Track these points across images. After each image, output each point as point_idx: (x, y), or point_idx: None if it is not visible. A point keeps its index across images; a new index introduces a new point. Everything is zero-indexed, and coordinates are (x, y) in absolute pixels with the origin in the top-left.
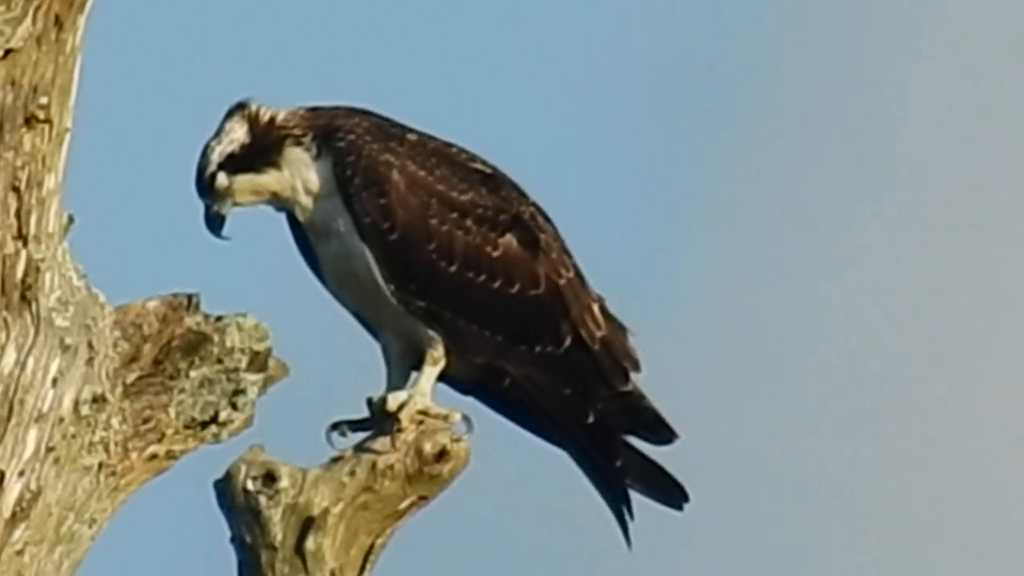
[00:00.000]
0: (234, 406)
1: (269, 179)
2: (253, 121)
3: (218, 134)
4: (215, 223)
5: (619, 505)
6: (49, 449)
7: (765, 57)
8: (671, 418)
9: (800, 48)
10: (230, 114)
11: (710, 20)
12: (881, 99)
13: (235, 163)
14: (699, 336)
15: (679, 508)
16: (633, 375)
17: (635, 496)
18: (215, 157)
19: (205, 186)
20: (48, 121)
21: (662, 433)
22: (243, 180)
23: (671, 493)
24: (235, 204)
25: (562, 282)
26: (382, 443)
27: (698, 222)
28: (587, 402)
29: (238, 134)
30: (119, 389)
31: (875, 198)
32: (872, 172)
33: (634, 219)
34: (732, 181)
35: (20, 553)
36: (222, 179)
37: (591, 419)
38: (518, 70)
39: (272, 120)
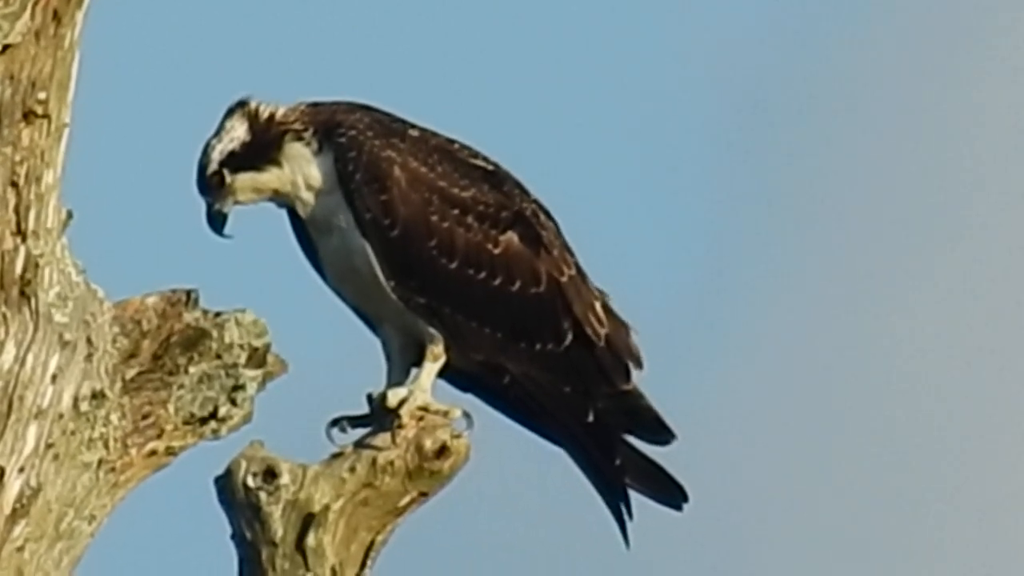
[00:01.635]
0: (233, 402)
1: (270, 176)
2: (253, 119)
3: (218, 132)
4: (217, 222)
5: (618, 504)
6: (49, 445)
7: (833, 89)
8: (670, 418)
9: (875, 76)
10: (230, 112)
11: (776, 50)
12: (965, 136)
13: (236, 161)
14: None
15: (678, 508)
16: (635, 373)
17: (634, 496)
18: (216, 156)
19: (207, 185)
20: (46, 116)
21: (661, 434)
22: (244, 178)
23: (671, 493)
24: (237, 202)
25: (564, 279)
26: (382, 439)
27: (759, 255)
28: (587, 400)
29: (238, 132)
30: (118, 385)
31: (953, 245)
32: (953, 216)
33: (689, 254)
34: (798, 216)
35: (20, 549)
36: (223, 178)
37: (591, 418)
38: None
39: (272, 117)
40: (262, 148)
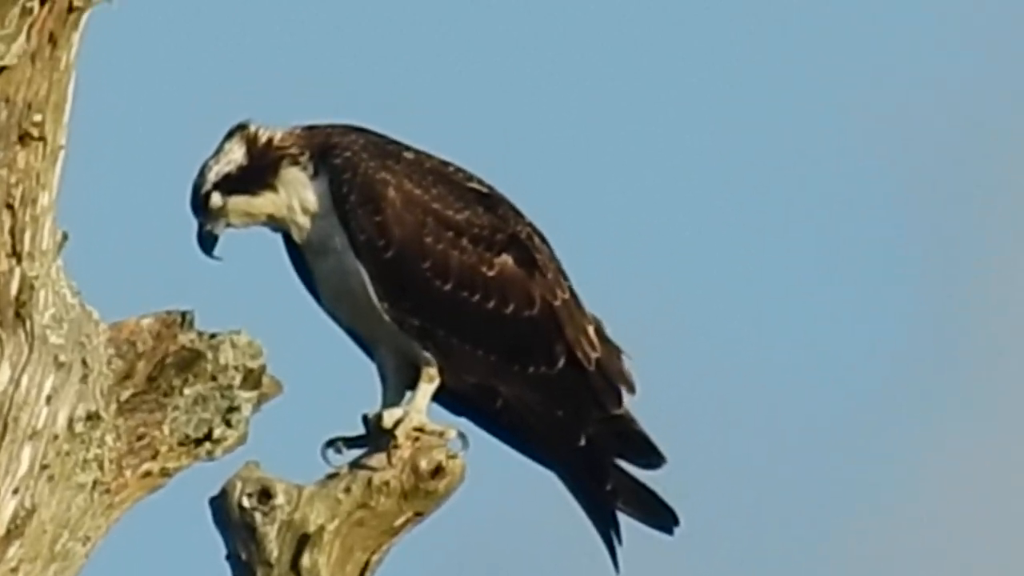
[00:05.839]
0: (228, 423)
1: (264, 202)
2: (252, 143)
3: (216, 154)
4: (207, 243)
5: (607, 529)
6: (43, 466)
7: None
8: (660, 442)
9: None
10: (230, 135)
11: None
12: None
13: (231, 184)
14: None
15: (669, 532)
16: (627, 398)
17: (625, 519)
18: (211, 177)
19: (199, 205)
20: (42, 138)
21: (651, 457)
22: (238, 201)
23: (662, 517)
24: (228, 225)
25: (557, 303)
26: (378, 460)
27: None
28: (579, 425)
29: (236, 155)
30: (113, 406)
31: None
32: None
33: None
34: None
35: (15, 571)
36: (217, 199)
37: (583, 442)
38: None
39: (270, 142)
40: (259, 173)
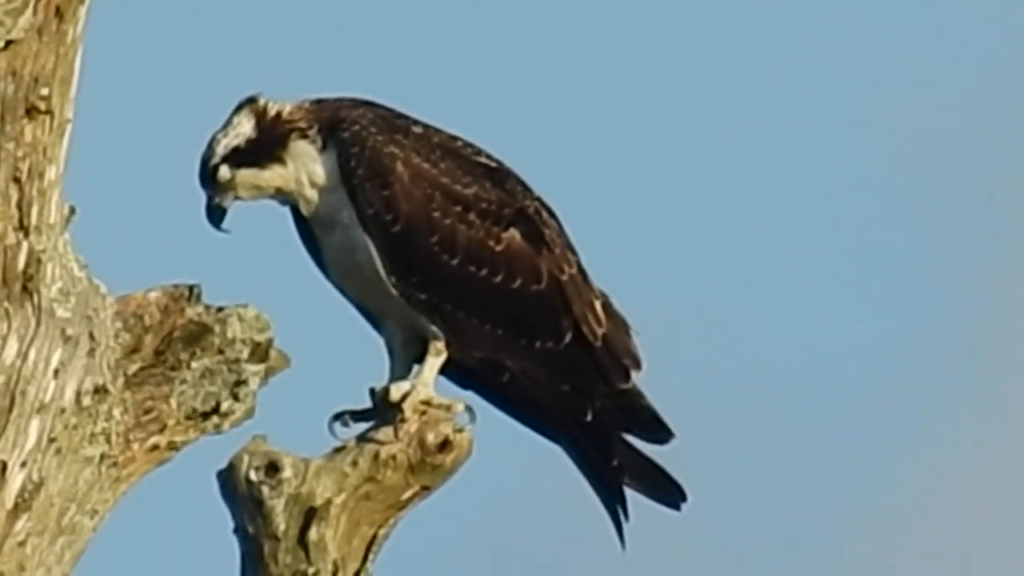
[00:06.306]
0: (235, 397)
1: (272, 175)
2: (261, 116)
3: (225, 127)
4: (215, 215)
5: (614, 504)
6: (51, 440)
7: None
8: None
9: None
10: (239, 108)
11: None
12: None
13: (239, 157)
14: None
15: (677, 508)
16: (634, 373)
17: (633, 495)
18: (220, 149)
19: (208, 178)
20: (49, 112)
21: (659, 432)
22: (246, 174)
23: (669, 492)
24: (237, 198)
25: (564, 278)
26: (385, 433)
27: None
28: (586, 399)
29: (245, 128)
30: (120, 380)
31: None
32: None
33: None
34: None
35: (22, 544)
36: (225, 172)
37: (589, 417)
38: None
39: (279, 115)
40: (267, 146)
